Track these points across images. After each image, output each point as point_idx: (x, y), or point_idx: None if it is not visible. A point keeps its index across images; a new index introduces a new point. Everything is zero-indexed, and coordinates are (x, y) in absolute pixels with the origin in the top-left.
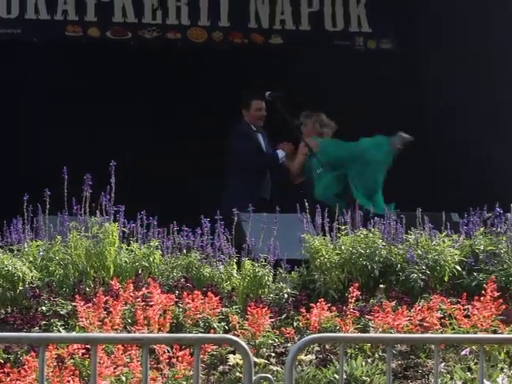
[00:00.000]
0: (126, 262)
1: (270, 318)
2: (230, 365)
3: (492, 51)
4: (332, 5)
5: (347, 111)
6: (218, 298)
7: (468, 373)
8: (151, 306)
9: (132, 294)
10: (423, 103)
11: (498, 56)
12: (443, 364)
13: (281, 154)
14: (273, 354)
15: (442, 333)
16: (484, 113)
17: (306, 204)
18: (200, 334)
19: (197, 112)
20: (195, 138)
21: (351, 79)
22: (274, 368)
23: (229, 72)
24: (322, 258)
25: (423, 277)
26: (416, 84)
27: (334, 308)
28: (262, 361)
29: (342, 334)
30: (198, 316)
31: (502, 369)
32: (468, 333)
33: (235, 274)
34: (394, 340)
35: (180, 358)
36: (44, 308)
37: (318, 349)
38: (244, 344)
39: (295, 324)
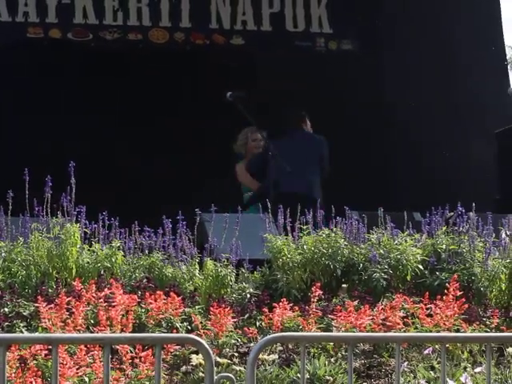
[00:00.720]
0: (88, 262)
1: (233, 317)
2: (192, 365)
3: (452, 52)
4: (293, 6)
5: (309, 112)
6: (180, 298)
7: (431, 372)
8: (113, 306)
9: (94, 295)
10: (384, 104)
11: (458, 57)
12: (406, 363)
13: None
14: (236, 354)
15: (404, 332)
16: (445, 113)
17: (269, 204)
18: (161, 334)
19: (159, 112)
20: (157, 138)
21: (313, 80)
22: (237, 368)
23: (190, 72)
24: (284, 258)
25: (386, 276)
26: (377, 85)
27: (296, 308)
28: (225, 361)
29: (302, 333)
30: (161, 316)
31: (465, 368)
32: (431, 332)
33: (197, 274)
34: (355, 339)
35: (143, 359)
36: (6, 309)
37: (281, 348)
38: (205, 344)
39: (258, 324)
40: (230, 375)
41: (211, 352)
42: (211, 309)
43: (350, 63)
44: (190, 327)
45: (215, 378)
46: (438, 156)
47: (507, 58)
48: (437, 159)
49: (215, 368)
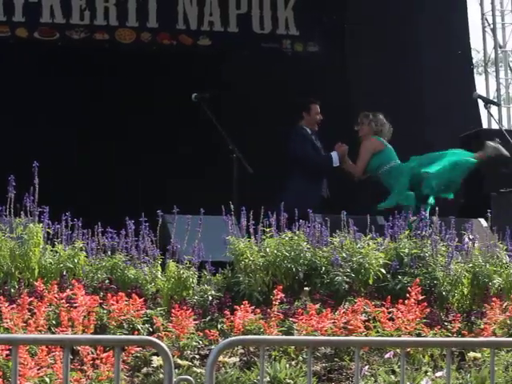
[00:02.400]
0: (50, 263)
1: (195, 320)
2: (153, 367)
3: (418, 55)
4: (260, 7)
5: (276, 113)
6: (142, 299)
7: (392, 376)
8: (75, 307)
9: (56, 296)
10: (350, 106)
11: (424, 60)
12: (367, 367)
13: (334, 156)
14: (197, 356)
15: (366, 336)
16: (410, 115)
17: (232, 206)
18: (120, 336)
19: (124, 112)
20: (122, 139)
21: (279, 81)
22: (198, 370)
23: (157, 73)
24: (246, 261)
25: (348, 280)
26: (343, 87)
27: (258, 310)
28: (186, 363)
29: (262, 337)
30: (122, 318)
31: (426, 372)
32: (392, 336)
33: (160, 276)
34: (315, 342)
35: (104, 360)
36: None
37: (242, 351)
38: (164, 346)
39: (219, 326)
40: (189, 377)
41: (170, 354)
42: (173, 311)
43: (316, 65)
44: (151, 329)
45: (174, 379)
46: (403, 159)
47: (473, 61)
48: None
49: (176, 370)
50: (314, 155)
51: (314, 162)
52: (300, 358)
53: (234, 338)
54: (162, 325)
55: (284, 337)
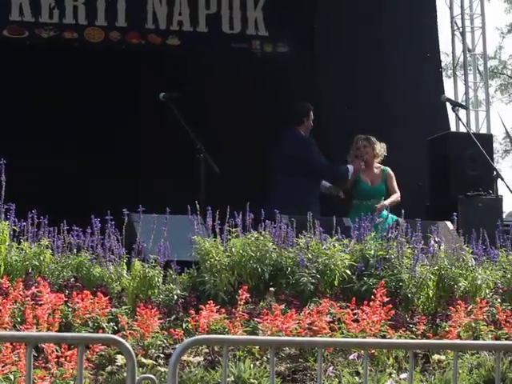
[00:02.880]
0: (16, 260)
1: (159, 319)
2: (118, 365)
3: (387, 57)
4: (230, 7)
5: (244, 113)
6: (107, 298)
7: (356, 377)
8: (40, 305)
9: (21, 293)
10: (319, 107)
11: (393, 62)
12: (331, 368)
13: (351, 169)
14: (161, 355)
15: (330, 337)
16: (379, 117)
17: (198, 206)
18: (84, 334)
19: (92, 110)
20: (89, 137)
21: (248, 81)
22: (162, 369)
23: (125, 72)
24: (212, 260)
25: (313, 281)
26: (312, 88)
27: (223, 310)
28: (150, 361)
29: (225, 336)
30: (88, 316)
31: (390, 374)
32: (357, 337)
33: (125, 275)
34: (279, 343)
35: (68, 358)
36: None
37: (206, 351)
38: (127, 344)
39: (184, 325)
40: (151, 376)
41: (133, 353)
42: (138, 309)
43: (286, 66)
44: (116, 327)
45: (137, 378)
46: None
47: (442, 64)
48: None
49: (140, 369)
50: (331, 166)
51: (333, 172)
52: (265, 358)
53: (197, 337)
54: (127, 323)
55: (247, 337)
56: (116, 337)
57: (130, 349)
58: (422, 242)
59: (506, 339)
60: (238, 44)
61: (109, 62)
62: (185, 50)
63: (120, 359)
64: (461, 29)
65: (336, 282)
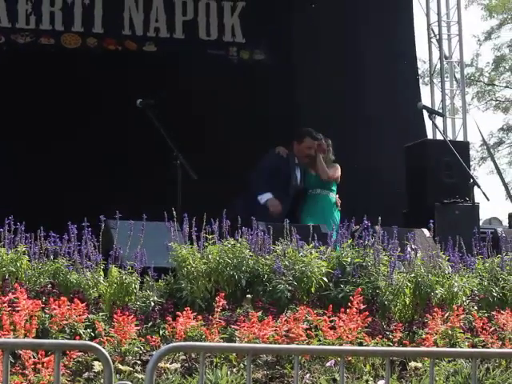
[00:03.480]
0: None
1: (136, 325)
2: (95, 371)
3: (364, 64)
4: (206, 14)
5: (220, 121)
6: (84, 304)
7: None
8: (17, 311)
9: None
10: (295, 114)
11: (370, 69)
12: (308, 375)
13: (266, 198)
14: (138, 362)
15: (307, 344)
16: (356, 125)
17: (174, 212)
18: (61, 340)
19: (68, 116)
20: (65, 142)
21: (224, 89)
22: (139, 376)
23: (102, 78)
24: (189, 267)
25: (290, 288)
26: (288, 95)
27: (200, 317)
28: (128, 368)
29: (202, 343)
30: (65, 322)
31: (367, 381)
32: (333, 344)
33: (102, 281)
34: (254, 350)
35: (45, 364)
36: None
37: (183, 357)
38: (104, 351)
39: (161, 332)
40: (128, 382)
41: (110, 359)
42: (115, 316)
43: (263, 73)
44: (93, 334)
45: None
46: (348, 168)
47: (419, 71)
48: (346, 171)
49: (117, 375)
50: (260, 174)
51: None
52: (242, 365)
53: (174, 343)
54: (104, 330)
55: (224, 344)
56: (93, 343)
57: (107, 355)
58: (399, 249)
59: (483, 347)
60: (215, 50)
61: (86, 68)
62: (161, 57)
63: (97, 366)
64: (438, 36)
65: (313, 289)
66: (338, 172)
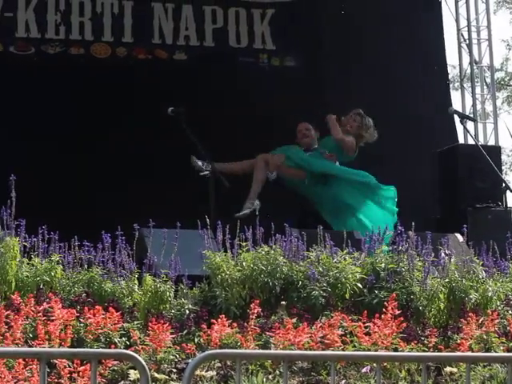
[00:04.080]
0: (27, 276)
1: (172, 333)
2: (130, 380)
3: (395, 70)
4: (236, 22)
5: (250, 128)
6: (119, 313)
7: None
8: (52, 320)
9: (33, 309)
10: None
11: (400, 75)
12: (344, 381)
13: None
14: (174, 370)
15: (342, 350)
16: (387, 131)
17: (208, 220)
18: (97, 349)
19: (100, 126)
20: (99, 153)
21: (256, 96)
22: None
23: (132, 87)
24: (223, 275)
25: (324, 294)
26: (319, 101)
27: (235, 324)
28: (163, 376)
29: (237, 350)
30: (99, 331)
31: None
32: (369, 350)
33: (136, 290)
34: (290, 356)
35: (81, 373)
36: None
37: (219, 365)
38: (141, 359)
39: (196, 340)
40: None
41: (146, 367)
42: (150, 324)
43: (293, 79)
44: (128, 342)
45: None
46: (379, 174)
47: (449, 77)
48: (377, 177)
49: (153, 383)
50: None
51: None
52: (277, 372)
53: (210, 351)
54: (139, 338)
55: (260, 351)
56: (130, 352)
57: (144, 364)
58: (433, 254)
59: None
60: (245, 58)
61: (116, 77)
62: (192, 65)
63: (133, 374)
64: (467, 41)
65: (347, 295)
66: (349, 139)
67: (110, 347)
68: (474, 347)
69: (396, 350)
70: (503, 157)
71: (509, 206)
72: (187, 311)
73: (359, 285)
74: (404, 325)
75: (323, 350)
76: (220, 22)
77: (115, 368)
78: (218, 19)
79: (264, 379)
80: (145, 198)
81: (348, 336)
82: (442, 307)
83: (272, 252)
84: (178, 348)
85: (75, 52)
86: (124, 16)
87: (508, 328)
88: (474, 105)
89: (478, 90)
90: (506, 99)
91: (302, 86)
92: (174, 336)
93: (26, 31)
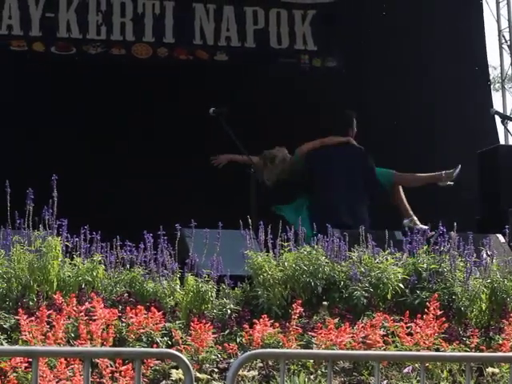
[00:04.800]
0: (69, 276)
1: (213, 333)
2: (172, 380)
3: (435, 71)
4: (277, 23)
5: (293, 129)
6: (161, 313)
7: None
8: (94, 320)
9: (75, 309)
10: (367, 122)
11: (441, 76)
12: (386, 381)
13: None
14: (216, 370)
15: (384, 350)
16: (427, 132)
17: (249, 220)
18: (141, 349)
19: (141, 127)
20: (139, 153)
21: (297, 97)
22: (217, 383)
23: (173, 88)
24: (265, 275)
25: (366, 294)
26: (361, 102)
27: (277, 324)
28: (205, 376)
29: (281, 350)
30: (141, 331)
31: None
32: (410, 350)
33: (178, 290)
34: (334, 356)
35: (123, 373)
36: None
37: (261, 365)
38: (185, 358)
39: (238, 340)
40: None
41: (191, 367)
42: (192, 324)
43: (335, 80)
44: (170, 342)
45: None
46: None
47: (490, 77)
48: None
49: (195, 383)
50: None
51: None
52: (319, 372)
53: (254, 351)
54: (181, 338)
55: (304, 350)
56: (174, 351)
57: (188, 363)
58: (475, 255)
59: None
60: (287, 59)
61: (157, 77)
62: (233, 66)
63: (175, 374)
64: (508, 42)
65: (389, 296)
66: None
67: (151, 347)
68: None
69: (438, 350)
70: None
71: None
72: (229, 311)
73: (401, 285)
74: (446, 325)
75: (365, 350)
76: (261, 23)
77: (157, 368)
78: (260, 20)
79: (306, 379)
80: (187, 198)
81: (390, 336)
82: (483, 308)
83: (314, 252)
84: (220, 348)
85: (116, 52)
86: (165, 17)
87: None
88: None
89: None
90: None
91: (344, 86)
92: (215, 336)
93: (67, 31)
